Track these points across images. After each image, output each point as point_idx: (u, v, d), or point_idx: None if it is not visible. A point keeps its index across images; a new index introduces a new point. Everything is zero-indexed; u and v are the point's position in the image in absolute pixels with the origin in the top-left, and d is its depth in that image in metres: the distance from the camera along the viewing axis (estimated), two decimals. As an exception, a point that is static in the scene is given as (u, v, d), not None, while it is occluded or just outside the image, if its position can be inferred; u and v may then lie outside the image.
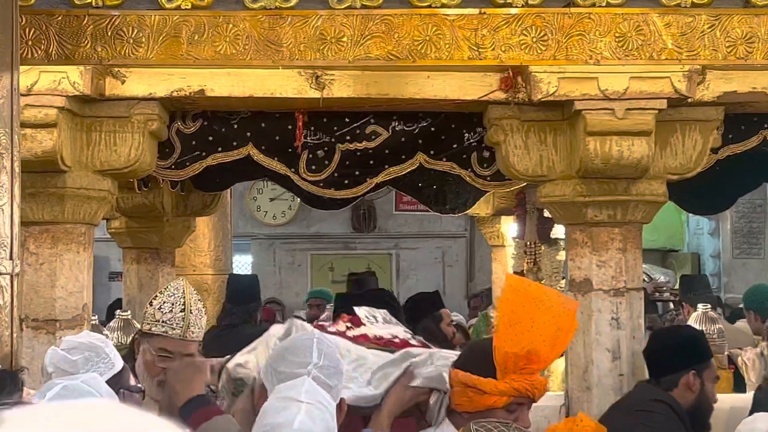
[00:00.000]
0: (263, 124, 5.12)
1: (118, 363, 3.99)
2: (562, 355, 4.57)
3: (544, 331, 3.42)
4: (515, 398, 3.45)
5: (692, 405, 4.53)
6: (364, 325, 4.55)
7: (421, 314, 7.61)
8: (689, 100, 4.62)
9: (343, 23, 4.53)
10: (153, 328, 4.45)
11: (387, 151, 5.24)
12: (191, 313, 4.62)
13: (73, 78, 4.38)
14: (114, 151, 4.67)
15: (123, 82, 4.54)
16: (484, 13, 4.55)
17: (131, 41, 4.48)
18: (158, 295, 4.83)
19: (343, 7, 4.51)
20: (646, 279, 11.50)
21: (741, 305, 8.95)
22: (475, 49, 4.55)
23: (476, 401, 3.50)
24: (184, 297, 4.60)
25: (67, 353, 3.83)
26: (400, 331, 4.65)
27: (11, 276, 3.76)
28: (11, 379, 3.54)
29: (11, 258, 3.78)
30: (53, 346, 4.05)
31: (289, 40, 4.53)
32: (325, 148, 5.17)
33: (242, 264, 11.32)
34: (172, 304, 4.58)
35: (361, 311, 4.51)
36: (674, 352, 4.78)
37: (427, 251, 14.37)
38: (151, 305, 4.65)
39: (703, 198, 6.17)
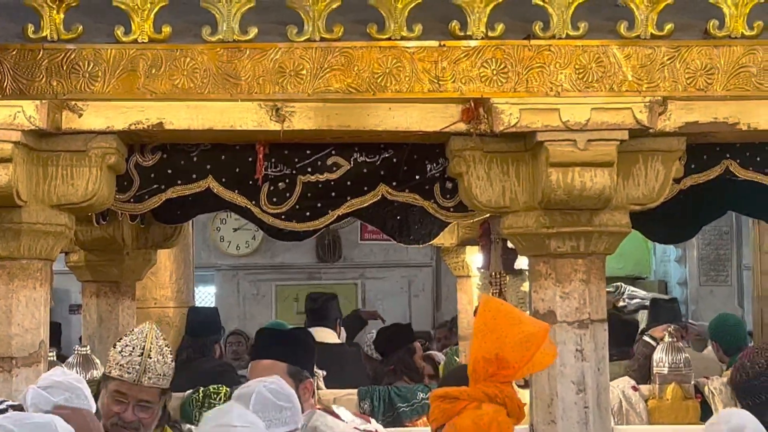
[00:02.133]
0: (223, 157, 5.12)
1: (93, 404, 4.02)
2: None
3: (512, 339, 3.38)
4: (485, 407, 3.41)
5: None
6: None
7: (396, 346, 7.67)
8: (651, 130, 4.63)
9: (303, 56, 4.55)
10: (112, 371, 4.53)
11: (349, 183, 5.24)
12: (149, 358, 4.64)
13: (29, 112, 4.35)
14: (71, 185, 4.66)
15: (80, 116, 4.53)
16: (444, 45, 4.58)
17: (87, 75, 4.48)
18: (123, 338, 4.90)
19: (302, 39, 4.54)
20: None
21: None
22: (436, 81, 4.58)
23: (448, 411, 3.52)
24: (145, 342, 4.68)
25: (47, 393, 3.76)
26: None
27: None
28: None
29: None
30: (32, 386, 4.04)
31: (248, 73, 4.55)
32: (287, 180, 5.17)
33: (205, 295, 11.27)
34: (132, 348, 4.65)
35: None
36: None
37: (392, 281, 14.41)
38: (114, 347, 4.72)
39: (668, 227, 6.21)
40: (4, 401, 3.53)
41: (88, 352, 6.05)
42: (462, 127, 4.70)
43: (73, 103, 4.51)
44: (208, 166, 5.12)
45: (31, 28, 4.50)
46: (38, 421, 3.14)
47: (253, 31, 4.58)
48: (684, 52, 4.68)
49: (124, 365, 4.68)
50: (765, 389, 4.65)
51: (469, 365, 3.54)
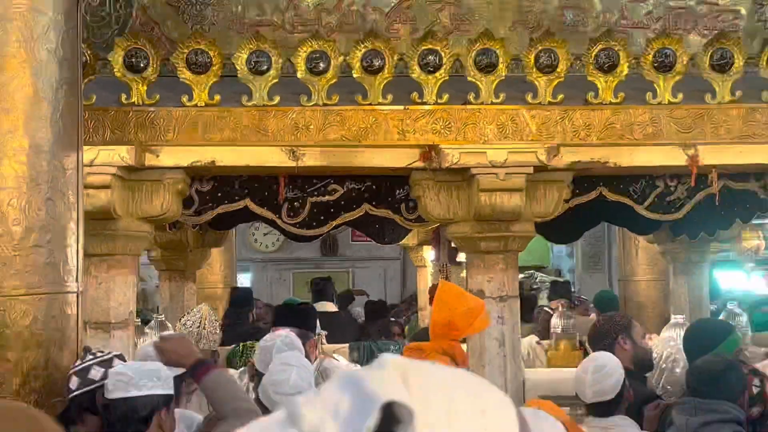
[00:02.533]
0: (256, 184, 5.12)
1: None
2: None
3: (460, 310, 3.42)
4: (441, 357, 3.36)
5: None
6: None
7: (378, 315, 7.94)
8: (548, 167, 4.69)
9: (311, 116, 4.60)
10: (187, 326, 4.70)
11: (343, 203, 5.25)
12: (204, 329, 4.88)
13: (122, 154, 4.40)
14: (151, 204, 4.69)
15: (157, 156, 4.56)
16: (408, 108, 4.64)
17: (162, 128, 4.54)
18: (186, 315, 4.99)
19: (310, 104, 4.58)
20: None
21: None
22: (402, 133, 4.64)
23: (416, 359, 3.50)
24: (200, 319, 4.88)
25: (150, 350, 3.96)
26: None
27: (77, 293, 3.75)
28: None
29: (77, 281, 3.77)
30: (144, 345, 4.45)
31: (273, 127, 4.59)
32: (299, 201, 5.19)
33: (243, 280, 11.52)
34: (192, 323, 4.92)
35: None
36: None
37: (373, 270, 14.85)
38: (179, 321, 4.82)
39: (560, 232, 6.22)
40: (111, 352, 3.56)
41: (163, 319, 6.07)
42: (420, 164, 4.74)
43: (153, 147, 4.55)
44: (246, 191, 5.13)
45: (123, 96, 4.53)
46: (150, 368, 3.36)
47: (277, 99, 4.60)
48: (571, 114, 4.72)
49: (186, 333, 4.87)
50: (607, 335, 4.71)
51: (430, 328, 3.54)
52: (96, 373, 3.32)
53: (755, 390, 3.76)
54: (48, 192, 3.60)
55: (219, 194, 5.11)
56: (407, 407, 0.63)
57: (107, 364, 3.36)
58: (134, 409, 3.16)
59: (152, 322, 6.29)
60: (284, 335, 4.56)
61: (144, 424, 3.15)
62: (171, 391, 3.35)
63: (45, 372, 3.51)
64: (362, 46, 4.65)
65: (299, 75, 4.62)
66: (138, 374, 3.22)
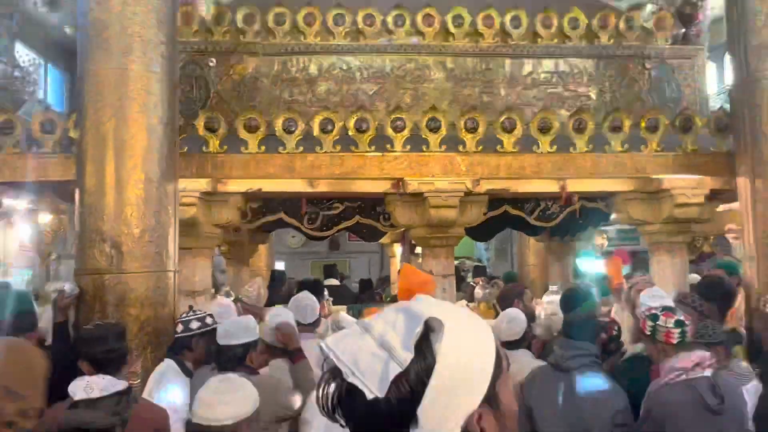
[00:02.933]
0: (287, 203, 5.14)
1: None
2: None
3: (417, 282, 3.50)
4: None
5: None
6: None
7: (367, 288, 7.94)
8: (472, 192, 4.69)
9: (322, 160, 4.57)
10: (243, 299, 4.63)
11: (342, 215, 5.31)
12: (259, 294, 4.77)
13: (203, 185, 4.44)
14: (220, 215, 4.71)
15: (225, 185, 4.56)
16: (384, 155, 4.62)
17: (228, 167, 4.54)
18: (247, 286, 4.99)
19: (322, 152, 4.55)
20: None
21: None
22: (381, 171, 4.63)
23: None
24: (258, 287, 4.88)
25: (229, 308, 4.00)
26: None
27: (174, 272, 3.86)
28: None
29: (174, 264, 3.91)
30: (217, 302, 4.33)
31: (299, 167, 4.58)
32: (315, 214, 5.25)
33: (279, 265, 11.31)
34: (253, 290, 4.85)
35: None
36: None
37: (362, 259, 14.60)
38: (244, 288, 4.83)
39: (480, 234, 6.33)
40: (205, 312, 3.51)
41: (229, 289, 5.91)
42: (392, 191, 4.73)
43: (222, 180, 4.54)
44: (281, 208, 5.17)
45: (204, 147, 4.53)
46: (245, 324, 3.37)
47: (301, 148, 4.57)
48: (487, 159, 4.69)
49: (248, 297, 4.84)
50: (509, 299, 4.69)
51: (398, 293, 3.69)
52: (195, 324, 3.34)
53: (614, 332, 3.69)
54: (156, 207, 3.74)
55: (263, 210, 5.16)
56: (438, 319, 0.74)
57: (203, 319, 3.38)
58: (236, 352, 3.19)
59: (222, 292, 6.27)
60: (302, 296, 4.36)
61: (242, 360, 3.20)
62: (257, 338, 3.34)
63: (154, 321, 3.64)
64: (355, 115, 4.65)
65: (315, 133, 4.60)
66: (238, 329, 3.26)
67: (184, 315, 3.42)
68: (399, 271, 7.85)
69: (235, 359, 3.19)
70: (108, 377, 2.31)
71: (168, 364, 3.25)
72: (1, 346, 1.62)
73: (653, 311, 2.87)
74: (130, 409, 2.26)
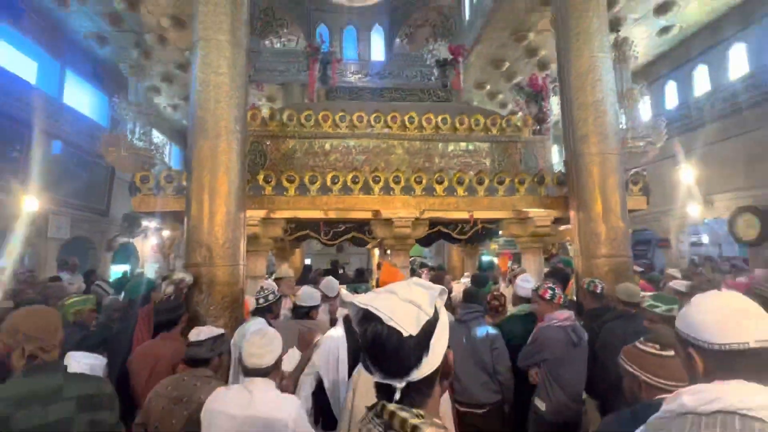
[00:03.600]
0: (312, 224, 4.98)
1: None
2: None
3: (392, 279, 3.18)
4: None
5: None
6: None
7: (360, 274, 7.53)
8: (420, 218, 4.63)
9: (332, 199, 4.51)
10: (280, 277, 4.30)
11: (344, 231, 5.18)
12: (289, 275, 4.43)
13: (261, 214, 4.40)
14: (272, 231, 4.61)
15: (274, 213, 4.49)
16: (368, 196, 4.54)
17: (276, 203, 4.45)
18: (282, 269, 4.77)
19: (332, 195, 4.50)
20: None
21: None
22: (366, 205, 4.58)
23: None
24: (287, 269, 4.52)
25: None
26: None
27: (243, 265, 3.79)
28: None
29: (243, 260, 3.84)
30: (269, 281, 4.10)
31: (318, 203, 4.50)
32: (329, 231, 5.13)
33: (307, 261, 11.03)
34: (285, 273, 4.47)
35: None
36: None
37: (357, 257, 14.06)
38: (282, 268, 4.59)
39: (424, 242, 6.03)
40: (272, 291, 3.21)
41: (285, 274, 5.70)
42: (373, 217, 4.67)
43: (273, 211, 4.47)
44: (308, 227, 5.03)
45: (262, 191, 4.46)
46: (310, 291, 3.32)
47: (319, 193, 4.53)
48: (429, 199, 4.59)
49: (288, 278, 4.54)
50: (437, 281, 4.57)
51: (379, 281, 3.45)
52: (271, 296, 3.15)
53: (501, 300, 3.61)
54: (233, 227, 3.70)
55: (297, 228, 5.03)
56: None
57: (273, 291, 3.19)
58: (305, 309, 3.18)
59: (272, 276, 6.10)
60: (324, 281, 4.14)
61: (308, 314, 3.18)
62: (318, 303, 3.23)
63: (230, 295, 3.58)
64: (351, 173, 4.61)
65: (327, 184, 4.55)
66: (307, 296, 3.22)
67: (262, 292, 3.20)
68: (378, 265, 7.69)
69: (303, 314, 3.19)
70: (209, 327, 2.24)
71: (259, 320, 3.03)
72: (24, 310, 1.49)
73: (551, 285, 2.90)
74: (223, 347, 2.18)
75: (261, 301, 3.16)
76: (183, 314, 2.77)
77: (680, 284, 4.07)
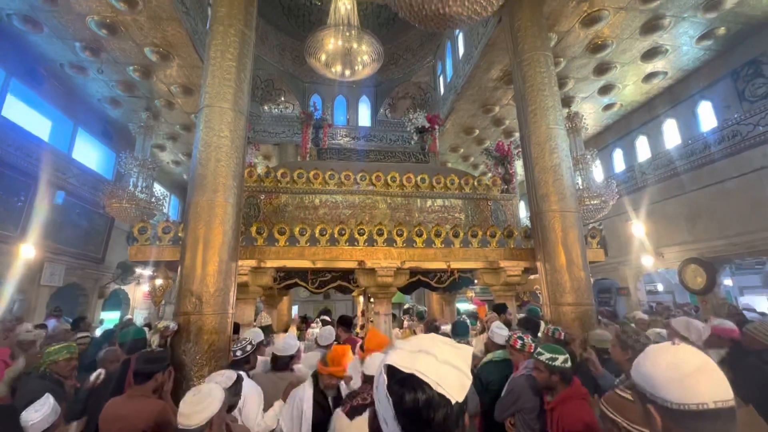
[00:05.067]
0: (300, 273, 4.88)
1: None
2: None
3: (377, 346, 2.95)
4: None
5: None
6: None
7: (348, 322, 7.34)
8: (401, 268, 4.58)
9: (320, 250, 4.44)
10: (262, 323, 4.15)
11: (331, 280, 5.05)
12: (271, 323, 4.25)
13: (252, 263, 4.29)
14: (261, 280, 4.47)
15: (265, 263, 4.39)
16: (353, 247, 4.47)
17: (266, 253, 4.34)
18: (260, 317, 4.57)
19: (320, 246, 4.43)
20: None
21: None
22: (351, 256, 4.51)
23: (361, 355, 3.12)
24: (267, 317, 4.33)
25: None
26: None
27: (231, 313, 3.66)
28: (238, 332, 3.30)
29: (232, 308, 3.70)
30: (254, 330, 3.83)
31: (306, 254, 4.41)
32: (316, 280, 4.98)
33: (295, 309, 10.58)
34: (264, 320, 4.29)
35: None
36: None
37: (342, 304, 13.46)
38: (262, 315, 4.39)
39: (406, 290, 5.62)
40: (247, 339, 3.04)
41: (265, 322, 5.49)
42: (358, 267, 4.60)
43: (263, 260, 4.37)
44: (296, 276, 4.92)
45: (254, 242, 4.38)
46: (289, 343, 3.13)
47: (308, 244, 4.48)
48: (410, 251, 4.57)
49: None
50: (426, 326, 4.44)
51: (365, 347, 3.12)
52: (249, 347, 2.94)
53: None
54: (224, 276, 3.60)
55: (286, 277, 4.93)
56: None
57: (249, 343, 3.01)
58: (285, 360, 3.03)
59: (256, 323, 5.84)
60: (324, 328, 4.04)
61: (288, 365, 3.03)
62: (296, 351, 3.10)
63: (217, 343, 3.41)
64: (338, 226, 4.61)
65: (316, 236, 4.53)
66: (285, 348, 3.07)
67: (239, 344, 3.00)
68: (362, 312, 7.38)
69: (284, 365, 3.01)
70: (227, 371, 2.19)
71: (227, 373, 2.82)
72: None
73: (519, 335, 2.85)
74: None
75: (239, 353, 2.94)
76: (163, 369, 2.41)
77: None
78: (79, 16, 6.02)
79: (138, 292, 10.72)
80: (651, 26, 6.31)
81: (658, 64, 7.41)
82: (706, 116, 7.63)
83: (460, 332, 4.38)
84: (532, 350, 2.78)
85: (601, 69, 7.51)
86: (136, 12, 5.90)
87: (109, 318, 9.71)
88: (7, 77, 6.93)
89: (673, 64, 7.39)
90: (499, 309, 4.59)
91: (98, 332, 5.89)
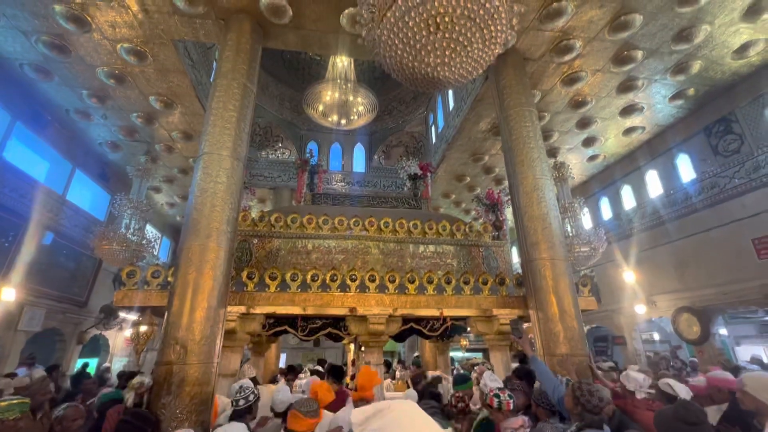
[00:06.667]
0: (289, 320, 4.81)
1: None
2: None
3: (369, 383, 3.09)
4: (361, 400, 3.07)
5: None
6: None
7: (338, 372, 7.07)
8: (393, 315, 4.49)
9: (311, 296, 4.37)
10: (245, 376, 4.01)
11: (321, 327, 4.95)
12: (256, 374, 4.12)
13: (241, 309, 4.20)
14: (250, 326, 4.37)
15: (254, 309, 4.30)
16: (345, 293, 4.44)
17: (256, 299, 4.26)
18: (245, 368, 4.40)
19: (311, 292, 4.37)
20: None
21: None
22: (342, 302, 4.42)
23: (354, 395, 3.19)
24: (252, 368, 4.19)
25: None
26: None
27: (217, 363, 3.52)
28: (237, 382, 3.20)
29: (218, 357, 3.57)
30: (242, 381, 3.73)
31: (297, 300, 4.33)
32: (306, 327, 4.89)
33: (283, 357, 10.15)
34: (249, 371, 4.15)
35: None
36: None
37: (332, 351, 12.96)
38: (246, 367, 4.24)
39: (399, 338, 5.64)
40: (249, 389, 2.95)
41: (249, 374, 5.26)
42: (349, 314, 4.53)
43: (252, 306, 4.28)
44: (286, 322, 4.83)
45: (244, 287, 4.31)
46: (283, 398, 3.31)
47: (298, 290, 4.41)
48: (402, 297, 4.51)
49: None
50: (417, 379, 4.27)
51: (357, 385, 3.13)
52: (251, 396, 2.90)
53: (464, 402, 3.39)
54: (212, 323, 3.53)
55: (276, 324, 4.83)
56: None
57: (253, 392, 2.95)
58: (285, 411, 2.98)
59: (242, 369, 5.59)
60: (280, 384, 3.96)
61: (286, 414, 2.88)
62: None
63: (200, 395, 3.28)
64: (330, 272, 4.55)
65: (308, 281, 4.46)
66: (285, 399, 3.12)
67: (242, 393, 2.88)
68: (353, 361, 7.13)
69: (281, 415, 3.05)
70: None
71: (239, 426, 2.62)
72: None
73: (496, 392, 2.77)
74: None
75: (241, 402, 2.82)
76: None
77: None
78: (90, 67, 6.31)
79: (119, 337, 10.26)
80: (626, 86, 6.78)
81: (635, 120, 7.87)
82: (685, 168, 7.98)
83: (459, 383, 4.22)
84: (510, 407, 2.65)
85: (583, 123, 7.93)
86: (144, 64, 6.21)
87: (90, 367, 9.18)
88: (12, 121, 7.11)
89: (650, 120, 7.85)
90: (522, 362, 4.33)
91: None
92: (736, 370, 4.48)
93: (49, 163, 8.50)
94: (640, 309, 8.46)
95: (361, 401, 3.14)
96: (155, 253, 7.98)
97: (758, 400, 2.37)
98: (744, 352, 9.30)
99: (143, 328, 4.63)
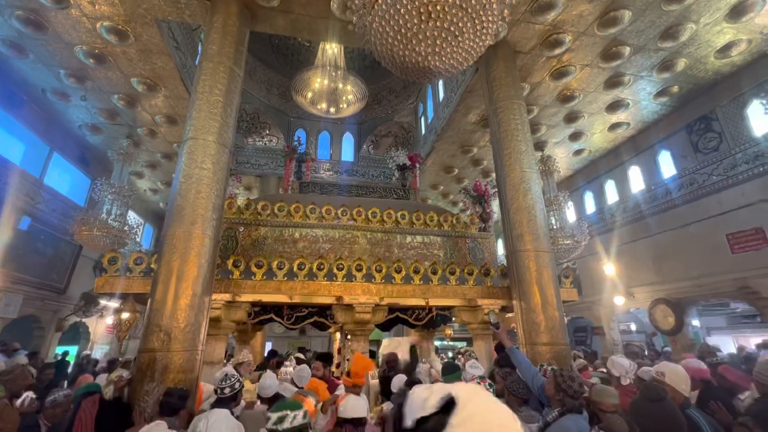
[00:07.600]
0: (276, 308, 4.79)
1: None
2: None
3: (363, 364, 3.17)
4: (354, 386, 3.19)
5: None
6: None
7: (326, 357, 7.09)
8: (379, 304, 4.54)
9: (297, 285, 4.35)
10: (241, 362, 4.05)
11: (307, 316, 4.93)
12: (250, 360, 4.24)
13: (227, 297, 4.19)
14: (235, 315, 4.34)
15: (240, 297, 4.28)
16: (331, 282, 4.43)
17: (242, 287, 4.24)
18: (241, 354, 4.45)
19: (297, 281, 4.36)
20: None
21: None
22: (329, 291, 4.45)
23: (347, 381, 3.28)
24: (248, 354, 4.27)
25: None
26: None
27: (201, 350, 3.51)
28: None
29: (202, 345, 3.56)
30: (226, 369, 3.62)
31: (283, 288, 4.33)
32: (292, 315, 4.86)
33: (269, 345, 10.14)
34: (243, 357, 4.22)
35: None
36: None
37: (318, 341, 12.99)
38: (244, 353, 4.28)
39: (384, 327, 5.63)
40: (234, 377, 2.85)
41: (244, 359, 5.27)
42: (335, 302, 4.55)
43: (238, 294, 4.26)
44: (272, 311, 4.81)
45: (230, 276, 4.29)
46: (269, 383, 3.27)
47: (285, 278, 4.42)
48: (389, 287, 4.57)
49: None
50: (395, 366, 4.33)
51: (350, 371, 3.26)
52: (237, 385, 2.82)
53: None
54: (196, 311, 3.51)
55: (261, 312, 4.81)
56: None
57: (238, 380, 2.87)
58: (273, 397, 3.07)
59: (229, 362, 5.57)
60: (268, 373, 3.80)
61: (276, 400, 3.03)
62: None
63: (184, 383, 3.28)
64: (317, 261, 4.55)
65: (294, 270, 4.47)
66: (272, 386, 3.14)
67: (227, 381, 2.82)
68: (339, 350, 7.14)
69: (268, 401, 3.11)
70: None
71: (222, 412, 2.59)
72: None
73: (477, 380, 2.82)
74: None
75: (227, 390, 2.79)
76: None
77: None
78: (68, 46, 6.05)
79: (100, 325, 10.09)
80: (613, 82, 6.87)
81: (621, 116, 8.00)
82: (666, 164, 8.18)
83: (449, 372, 4.28)
84: None
85: (571, 117, 8.02)
86: (126, 44, 5.99)
87: (71, 354, 9.01)
88: (-16, 100, 6.80)
89: (635, 116, 8.00)
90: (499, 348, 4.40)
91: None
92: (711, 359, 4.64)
93: (24, 145, 8.18)
94: (619, 300, 8.72)
95: (354, 387, 3.20)
96: (138, 240, 7.84)
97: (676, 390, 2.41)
98: (714, 342, 9.71)
99: (125, 315, 4.57)
